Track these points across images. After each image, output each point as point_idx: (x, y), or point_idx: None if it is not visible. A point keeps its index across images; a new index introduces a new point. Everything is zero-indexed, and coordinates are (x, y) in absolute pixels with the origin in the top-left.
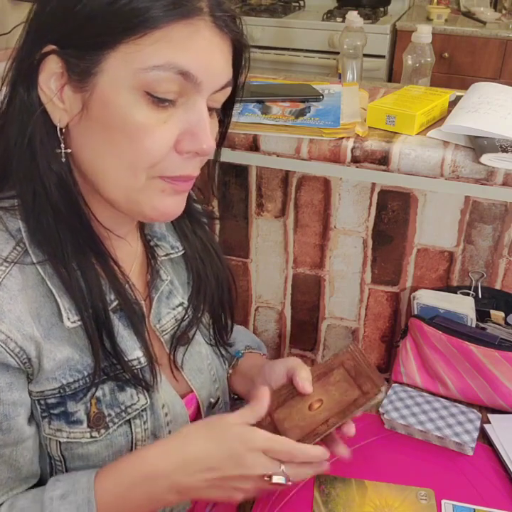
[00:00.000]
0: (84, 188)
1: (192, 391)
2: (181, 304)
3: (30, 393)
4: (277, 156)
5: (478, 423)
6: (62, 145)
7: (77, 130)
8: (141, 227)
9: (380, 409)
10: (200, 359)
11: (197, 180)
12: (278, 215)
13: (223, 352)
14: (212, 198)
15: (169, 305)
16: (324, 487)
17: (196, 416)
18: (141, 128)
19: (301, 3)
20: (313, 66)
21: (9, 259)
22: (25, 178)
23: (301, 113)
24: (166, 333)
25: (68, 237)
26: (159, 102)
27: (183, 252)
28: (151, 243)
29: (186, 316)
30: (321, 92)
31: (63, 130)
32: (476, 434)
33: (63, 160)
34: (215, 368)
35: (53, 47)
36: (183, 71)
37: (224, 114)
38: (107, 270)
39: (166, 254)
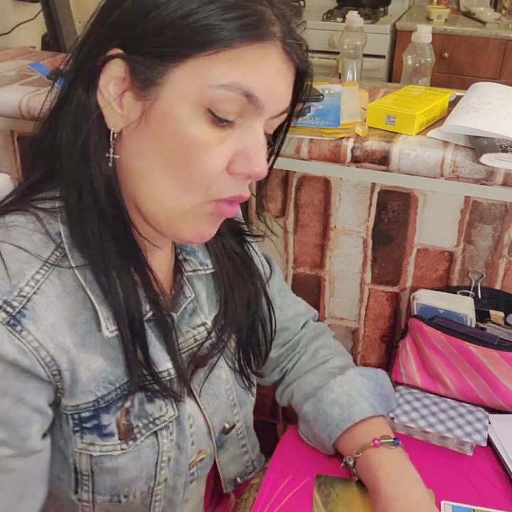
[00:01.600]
0: (125, 196)
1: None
2: (203, 324)
3: (64, 408)
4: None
5: (486, 421)
6: (112, 150)
7: (131, 138)
8: None
9: (390, 414)
10: (218, 384)
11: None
12: (278, 215)
13: (247, 384)
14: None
15: (190, 324)
16: (324, 487)
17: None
18: (198, 144)
19: (301, 3)
20: (314, 66)
21: (50, 262)
22: (74, 180)
23: (301, 113)
24: (183, 352)
25: (111, 244)
26: (219, 121)
27: (213, 270)
28: (180, 257)
29: (209, 339)
30: (321, 92)
31: (115, 135)
32: (486, 433)
33: (110, 165)
34: (236, 392)
35: (119, 51)
36: (249, 93)
37: (274, 138)
38: (144, 279)
39: (193, 270)
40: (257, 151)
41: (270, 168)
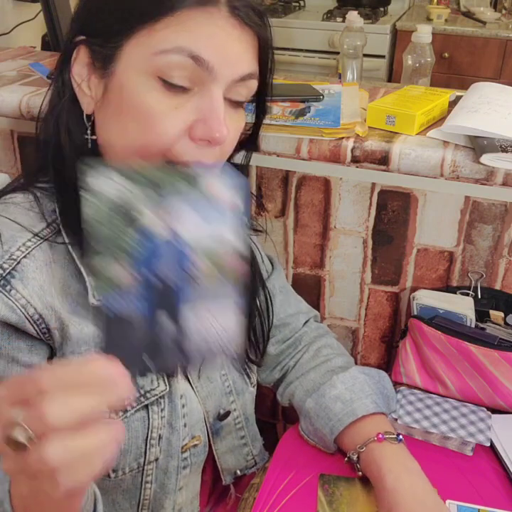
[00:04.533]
0: None
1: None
2: None
3: None
4: (277, 156)
5: (489, 421)
6: (89, 131)
7: (99, 116)
8: None
9: (393, 415)
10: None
11: None
12: (278, 215)
13: (244, 370)
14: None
15: None
16: (328, 486)
17: (205, 422)
18: (152, 112)
19: (301, 3)
20: (313, 66)
21: (41, 235)
22: (57, 163)
23: (301, 113)
24: None
25: None
26: (172, 87)
27: None
28: None
29: None
30: (321, 92)
31: (92, 118)
32: (489, 433)
33: (89, 146)
34: (232, 380)
35: (83, 37)
36: (194, 55)
37: (258, 110)
38: None
39: None
40: (214, 116)
41: (250, 147)
